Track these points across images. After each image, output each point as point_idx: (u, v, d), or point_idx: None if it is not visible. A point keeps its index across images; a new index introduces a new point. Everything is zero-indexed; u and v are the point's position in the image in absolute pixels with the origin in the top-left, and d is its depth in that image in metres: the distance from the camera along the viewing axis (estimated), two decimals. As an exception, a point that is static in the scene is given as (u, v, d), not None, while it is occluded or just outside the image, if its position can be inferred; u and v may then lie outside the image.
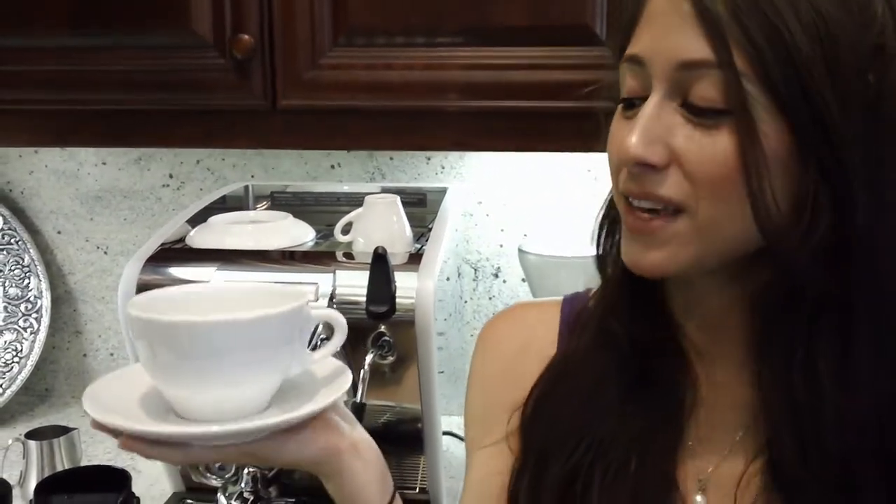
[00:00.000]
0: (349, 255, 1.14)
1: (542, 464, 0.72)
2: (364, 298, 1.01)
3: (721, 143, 0.60)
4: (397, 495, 0.76)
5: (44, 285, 1.71)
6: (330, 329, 0.73)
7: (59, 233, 1.75)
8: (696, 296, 0.70)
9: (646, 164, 0.61)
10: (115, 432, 0.65)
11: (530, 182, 1.59)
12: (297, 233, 1.20)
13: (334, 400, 0.69)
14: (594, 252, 0.75)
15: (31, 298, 1.71)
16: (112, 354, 1.79)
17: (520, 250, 1.42)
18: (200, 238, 1.17)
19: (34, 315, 1.70)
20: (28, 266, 1.71)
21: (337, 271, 1.08)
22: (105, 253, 1.74)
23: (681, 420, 0.71)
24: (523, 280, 1.63)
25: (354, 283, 1.05)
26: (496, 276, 1.65)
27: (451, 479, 1.25)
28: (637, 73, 0.64)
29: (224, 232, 1.16)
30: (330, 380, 0.72)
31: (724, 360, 0.70)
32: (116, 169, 1.70)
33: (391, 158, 1.62)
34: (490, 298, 1.66)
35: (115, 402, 0.68)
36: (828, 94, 0.58)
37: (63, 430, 1.37)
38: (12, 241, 1.70)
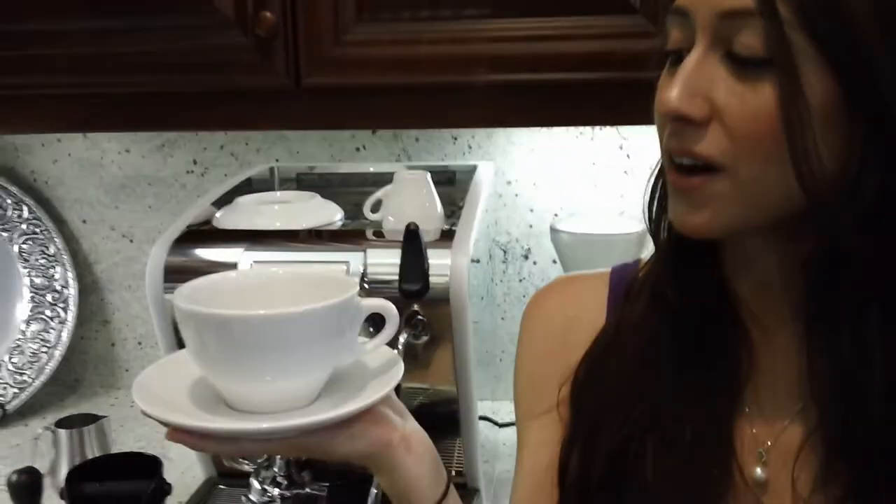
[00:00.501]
0: (379, 234, 1.11)
1: (592, 433, 0.70)
2: (396, 277, 0.99)
3: (763, 96, 0.57)
4: (452, 488, 0.73)
5: (70, 275, 1.70)
6: (381, 319, 0.71)
7: (84, 222, 1.73)
8: (749, 258, 0.67)
9: (686, 118, 0.59)
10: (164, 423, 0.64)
11: (560, 161, 1.56)
12: (325, 213, 1.17)
13: (387, 392, 0.67)
14: (645, 217, 0.72)
15: (58, 288, 1.70)
16: (140, 343, 1.78)
17: (552, 229, 1.39)
18: (227, 219, 1.15)
19: (61, 305, 1.69)
20: (54, 255, 1.70)
21: (368, 250, 1.05)
22: (130, 241, 1.73)
23: (738, 388, 0.69)
24: (554, 261, 1.60)
25: (386, 262, 1.03)
26: (526, 257, 1.62)
27: (484, 462, 1.22)
28: (681, 25, 0.62)
29: (251, 213, 1.14)
30: (381, 371, 0.70)
31: (780, 326, 0.68)
32: (140, 156, 1.68)
33: (417, 140, 1.60)
34: (520, 281, 1.63)
35: (163, 393, 0.67)
36: (877, 42, 0.55)
37: (93, 419, 1.35)
38: (38, 230, 1.69)
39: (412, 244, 0.96)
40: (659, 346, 0.70)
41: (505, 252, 1.62)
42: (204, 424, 0.62)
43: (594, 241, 1.35)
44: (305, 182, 1.41)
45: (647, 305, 0.72)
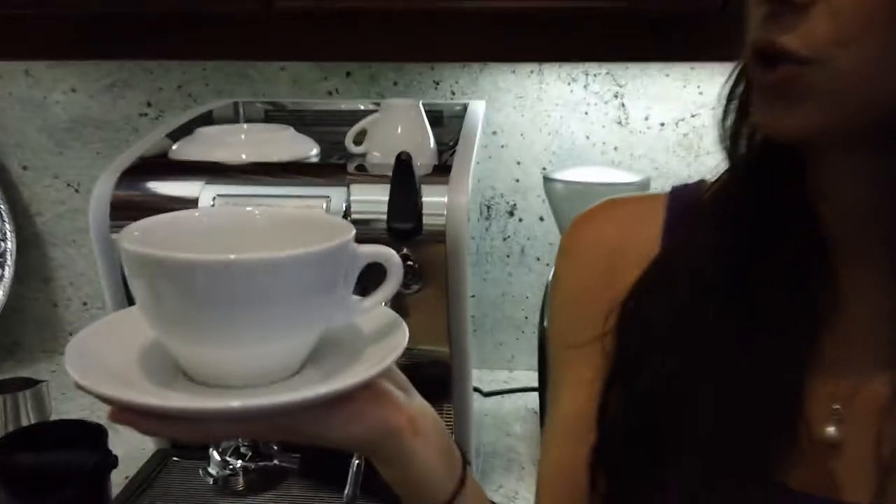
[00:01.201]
0: (362, 169, 0.97)
1: (637, 372, 0.59)
2: (384, 216, 0.85)
3: None
4: (469, 474, 0.61)
5: (8, 227, 1.54)
6: (380, 271, 0.57)
7: (24, 168, 1.57)
8: (837, 178, 0.56)
9: None
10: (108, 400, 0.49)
11: (551, 110, 1.44)
12: (300, 147, 1.02)
13: (389, 364, 0.52)
14: (719, 129, 0.60)
15: (-6, 241, 1.54)
16: (85, 304, 1.63)
17: (545, 178, 1.27)
18: (185, 151, 1.00)
19: (-2, 260, 1.54)
20: (-10, 205, 1.54)
21: (351, 185, 0.91)
22: (76, 191, 1.57)
23: (813, 333, 0.57)
24: (541, 219, 1.49)
25: (372, 198, 0.89)
26: (511, 213, 1.50)
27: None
28: None
29: (214, 143, 0.99)
30: (381, 335, 0.57)
31: (869, 261, 0.57)
32: (87, 97, 1.52)
33: (395, 84, 1.46)
34: (504, 239, 1.51)
35: (106, 360, 0.52)
36: None
37: (29, 383, 1.21)
38: (-28, 177, 1.53)
39: (404, 177, 0.83)
40: (724, 275, 0.59)
41: (489, 208, 1.50)
42: (158, 402, 0.47)
43: (592, 191, 1.22)
44: (274, 120, 1.26)
45: (715, 229, 0.61)
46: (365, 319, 0.58)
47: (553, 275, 0.74)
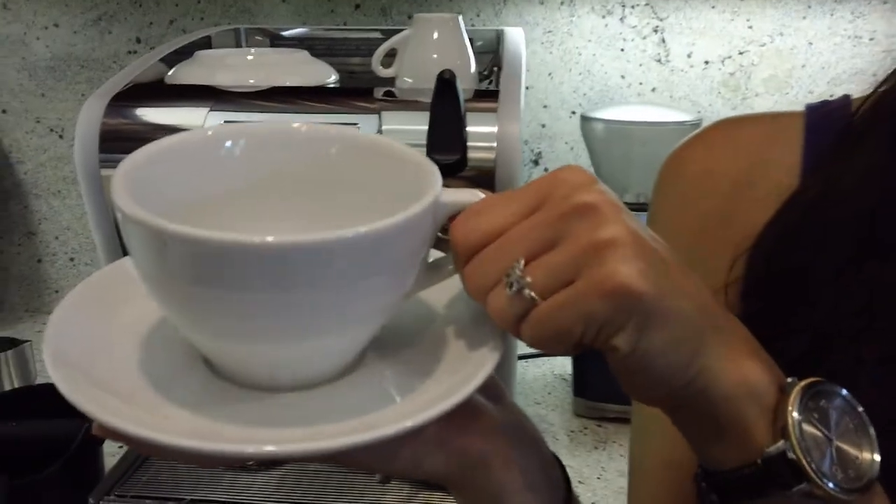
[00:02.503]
0: (391, 95, 0.84)
1: (779, 330, 0.47)
2: (424, 146, 0.72)
3: None
4: (575, 497, 0.48)
5: (-14, 176, 1.41)
6: None
7: (4, 112, 1.43)
8: None
9: None
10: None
11: (582, 47, 1.31)
12: (315, 72, 0.89)
13: (488, 373, 0.37)
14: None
15: (-29, 191, 1.40)
16: (72, 260, 1.50)
17: (583, 118, 1.14)
18: (185, 75, 0.87)
19: (-25, 211, 1.41)
20: (-34, 151, 1.40)
21: (382, 112, 0.78)
22: (60, 136, 1.44)
23: None
24: (569, 167, 1.36)
25: (408, 127, 0.76)
26: (536, 162, 1.37)
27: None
28: None
29: (217, 67, 0.86)
30: (466, 318, 0.41)
31: None
32: (71, 32, 1.39)
33: (409, 17, 1.33)
34: (528, 189, 1.38)
35: (97, 351, 0.38)
36: None
37: (11, 343, 1.09)
38: (-55, 120, 1.39)
39: (447, 100, 0.70)
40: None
41: (512, 155, 1.37)
42: (164, 439, 0.32)
43: (635, 132, 1.10)
44: (282, 46, 1.13)
45: (885, 152, 0.48)
46: (440, 291, 0.43)
47: (650, 214, 0.61)
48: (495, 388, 0.45)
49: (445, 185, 0.38)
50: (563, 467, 0.47)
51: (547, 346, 0.36)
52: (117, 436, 0.34)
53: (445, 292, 0.43)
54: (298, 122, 0.42)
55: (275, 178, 0.42)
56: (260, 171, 0.42)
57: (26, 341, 1.10)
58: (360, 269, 0.35)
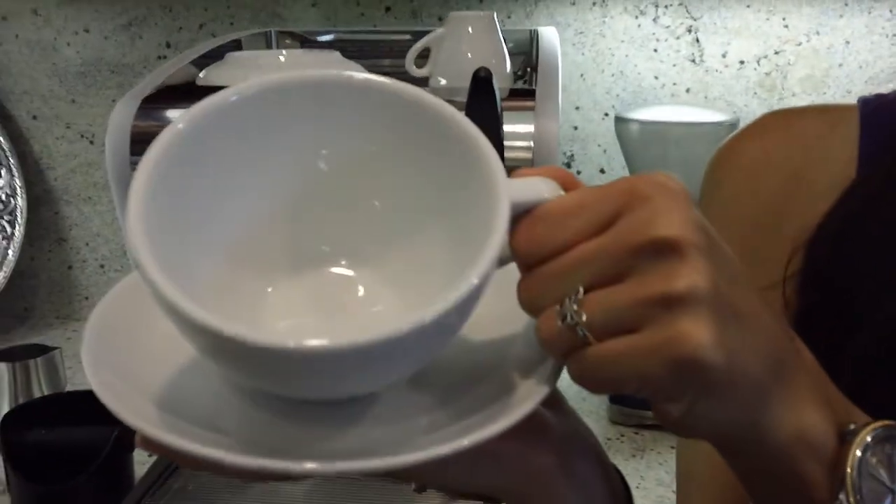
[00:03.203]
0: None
1: (841, 327, 0.46)
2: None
3: None
4: None
5: (18, 182, 1.41)
6: None
7: (34, 118, 1.44)
8: None
9: None
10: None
11: (615, 47, 1.29)
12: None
13: (551, 388, 0.35)
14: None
15: (3, 197, 1.41)
16: (102, 266, 1.50)
17: (617, 119, 1.12)
18: (216, 77, 0.86)
19: (6, 218, 1.41)
20: (-3, 158, 1.41)
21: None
22: (91, 142, 1.44)
23: None
24: (602, 171, 1.34)
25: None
26: (568, 165, 1.35)
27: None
28: None
29: (249, 69, 0.85)
30: (525, 328, 0.39)
31: None
32: (102, 37, 1.39)
33: (440, 18, 1.31)
34: (560, 193, 1.37)
35: (140, 362, 0.36)
36: None
37: (41, 350, 1.09)
38: (-23, 127, 1.40)
39: (484, 98, 0.68)
40: None
41: (544, 158, 1.35)
42: (236, 460, 0.31)
43: (672, 132, 1.08)
44: (314, 48, 1.12)
45: None
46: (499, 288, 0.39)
47: (699, 208, 0.59)
48: (553, 396, 0.43)
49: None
50: (623, 478, 0.46)
51: (590, 389, 0.33)
52: (160, 448, 0.32)
53: (503, 292, 0.40)
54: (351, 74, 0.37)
55: (314, 150, 0.38)
56: (296, 144, 0.38)
57: (56, 348, 1.10)
58: (418, 355, 0.33)
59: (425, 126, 0.36)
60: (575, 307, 0.32)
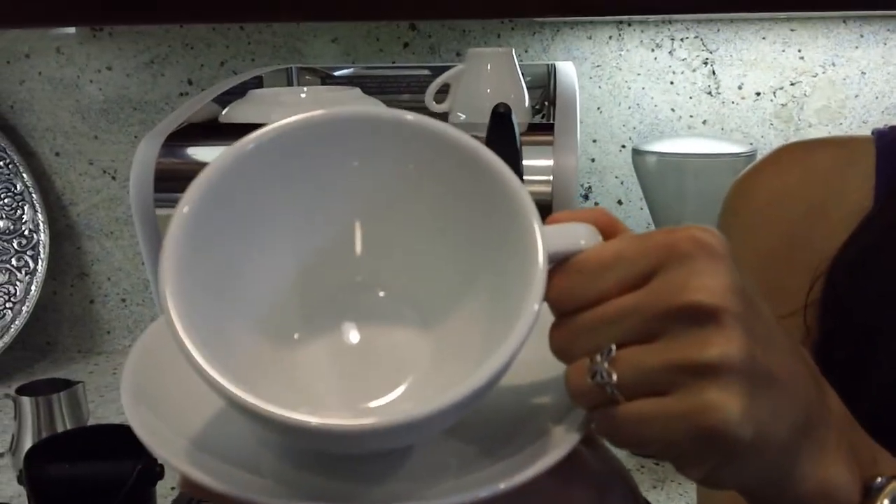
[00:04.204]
0: (444, 132, 0.83)
1: (863, 353, 0.46)
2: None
3: None
4: None
5: (41, 217, 1.43)
6: None
7: (57, 154, 1.46)
8: None
9: None
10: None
11: (631, 80, 1.30)
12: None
13: (584, 431, 0.35)
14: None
15: (26, 233, 1.42)
16: (124, 301, 1.51)
17: (635, 151, 1.13)
18: (239, 114, 0.87)
19: (29, 253, 1.42)
20: (21, 194, 1.42)
21: (435, 147, 0.77)
22: (113, 178, 1.46)
23: None
24: (619, 203, 1.35)
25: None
26: (586, 197, 1.36)
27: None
28: None
29: (271, 105, 0.86)
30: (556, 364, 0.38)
31: None
32: (124, 75, 1.41)
33: (458, 54, 1.33)
34: (578, 225, 1.37)
35: (175, 403, 0.36)
36: None
37: (64, 384, 1.09)
38: (1, 163, 1.42)
39: (503, 133, 0.69)
40: None
41: (562, 190, 1.36)
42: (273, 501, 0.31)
43: (689, 164, 1.09)
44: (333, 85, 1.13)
45: None
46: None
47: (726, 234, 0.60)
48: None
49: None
50: None
51: (615, 445, 0.33)
52: (203, 492, 0.32)
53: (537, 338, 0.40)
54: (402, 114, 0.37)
55: (350, 188, 0.38)
56: (326, 189, 0.37)
57: (79, 382, 1.10)
58: (455, 418, 0.33)
59: (457, 167, 0.36)
60: (606, 365, 0.31)
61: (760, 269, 0.54)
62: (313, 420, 0.29)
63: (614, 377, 0.31)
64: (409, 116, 0.37)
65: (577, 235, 0.34)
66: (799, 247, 0.53)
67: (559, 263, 0.34)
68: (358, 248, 0.38)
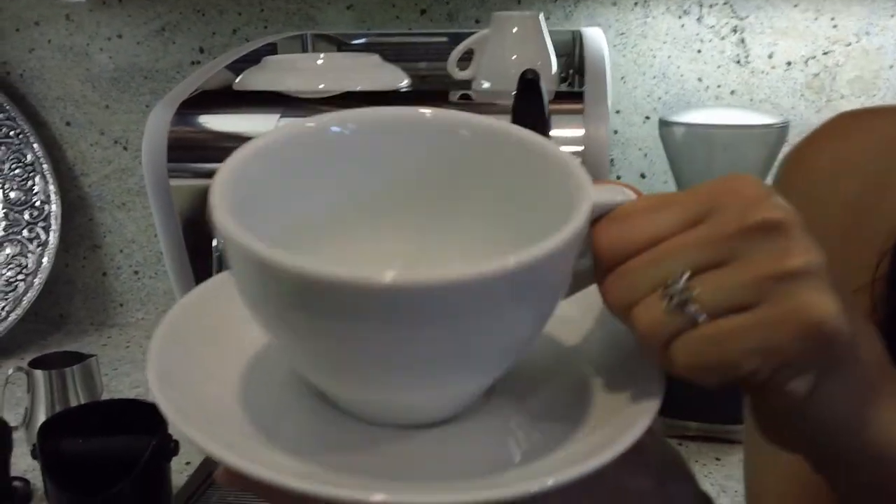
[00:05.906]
0: (467, 98, 0.80)
1: None
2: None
3: None
4: None
5: (52, 188, 1.40)
6: None
7: (67, 124, 1.43)
8: None
9: None
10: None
11: (657, 48, 1.26)
12: (388, 76, 0.86)
13: (647, 424, 0.32)
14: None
15: (38, 204, 1.40)
16: (137, 273, 1.49)
17: (661, 122, 1.10)
18: (253, 81, 0.84)
19: (41, 224, 1.40)
20: (31, 165, 1.40)
21: (462, 114, 0.74)
22: (124, 148, 1.43)
23: None
24: (643, 176, 1.31)
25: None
26: (608, 169, 1.32)
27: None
28: None
29: (287, 72, 0.83)
30: (614, 355, 0.36)
31: None
32: (135, 43, 1.38)
33: (477, 21, 1.29)
34: (600, 197, 1.34)
35: (203, 386, 0.34)
36: None
37: (77, 358, 1.07)
38: (11, 133, 1.39)
39: (531, 101, 0.66)
40: None
41: (583, 162, 1.33)
42: (331, 490, 0.28)
43: (718, 136, 1.05)
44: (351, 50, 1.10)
45: None
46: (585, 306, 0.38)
47: None
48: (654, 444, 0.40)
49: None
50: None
51: (699, 377, 0.31)
52: (240, 478, 0.29)
53: (583, 315, 0.37)
54: (420, 108, 0.37)
55: (393, 171, 0.37)
56: (375, 164, 0.37)
57: (92, 355, 1.09)
58: (501, 307, 0.29)
59: (509, 150, 0.36)
60: (684, 284, 0.30)
61: (823, 244, 0.51)
62: (387, 277, 0.27)
63: (696, 291, 0.30)
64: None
65: (618, 190, 0.34)
66: (864, 220, 0.50)
67: (603, 215, 0.33)
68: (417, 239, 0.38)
